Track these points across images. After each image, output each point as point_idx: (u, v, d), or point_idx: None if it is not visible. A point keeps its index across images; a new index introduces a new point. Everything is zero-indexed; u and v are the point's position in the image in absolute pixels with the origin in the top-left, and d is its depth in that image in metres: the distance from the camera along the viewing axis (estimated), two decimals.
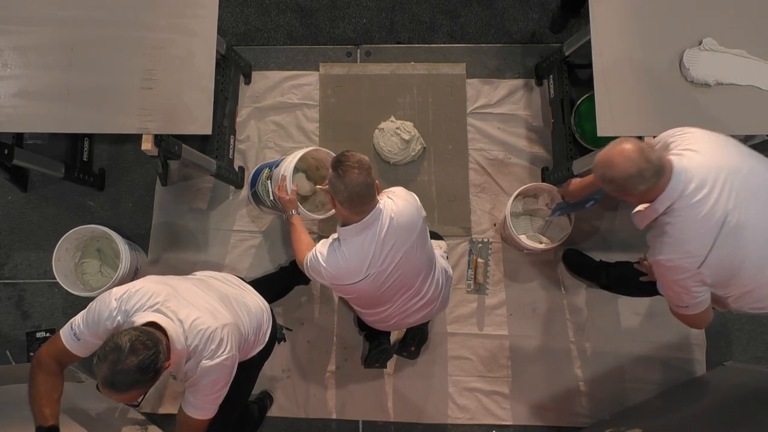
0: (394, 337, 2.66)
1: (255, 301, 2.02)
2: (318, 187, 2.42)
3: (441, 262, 2.24)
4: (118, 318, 1.62)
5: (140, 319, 1.58)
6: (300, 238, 2.15)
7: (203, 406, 1.71)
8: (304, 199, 2.50)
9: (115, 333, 1.47)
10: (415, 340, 2.54)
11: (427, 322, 2.54)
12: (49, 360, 1.66)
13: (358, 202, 1.82)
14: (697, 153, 1.63)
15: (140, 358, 1.42)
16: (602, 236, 2.79)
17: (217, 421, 1.78)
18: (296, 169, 2.34)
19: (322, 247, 1.94)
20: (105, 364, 1.42)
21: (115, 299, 1.63)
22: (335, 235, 1.94)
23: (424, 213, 2.00)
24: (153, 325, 1.57)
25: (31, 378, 1.65)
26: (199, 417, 1.71)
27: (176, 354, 1.59)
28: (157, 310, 1.61)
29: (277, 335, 2.15)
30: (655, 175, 1.57)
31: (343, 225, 1.89)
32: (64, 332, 1.66)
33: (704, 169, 1.60)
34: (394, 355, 2.63)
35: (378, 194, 1.88)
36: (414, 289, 2.07)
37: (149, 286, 1.67)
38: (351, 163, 1.78)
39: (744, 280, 1.69)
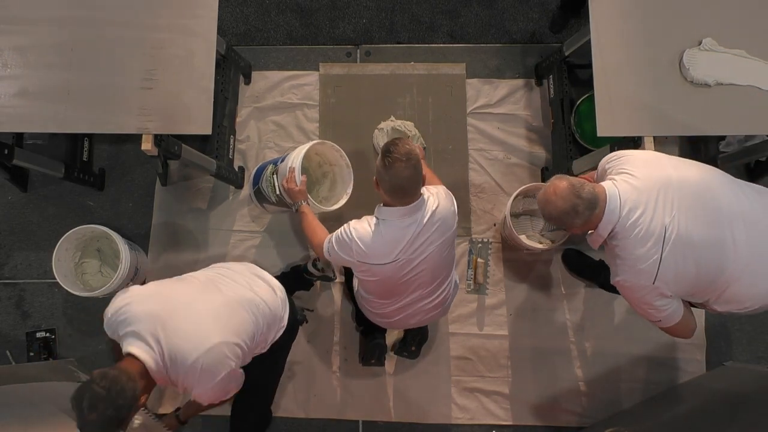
0: (394, 337, 2.66)
1: (267, 291, 1.99)
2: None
3: (454, 271, 2.27)
4: (117, 332, 1.67)
5: (126, 346, 1.61)
6: (313, 223, 2.19)
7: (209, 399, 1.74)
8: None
9: (81, 385, 1.48)
10: (416, 340, 2.55)
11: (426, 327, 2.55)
12: None
13: (401, 194, 1.86)
14: (630, 176, 1.73)
15: (100, 413, 1.43)
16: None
17: (245, 403, 1.88)
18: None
19: (356, 224, 1.97)
20: (74, 414, 1.45)
21: (111, 313, 1.69)
22: (370, 217, 1.97)
23: (457, 218, 2.05)
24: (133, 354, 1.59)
25: None
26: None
27: (160, 380, 1.63)
28: (142, 339, 1.61)
29: (297, 317, 2.16)
30: (588, 208, 1.68)
31: (385, 206, 1.93)
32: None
33: (635, 191, 1.69)
34: (395, 356, 2.64)
35: (423, 183, 1.93)
36: (429, 289, 2.10)
37: (144, 308, 1.67)
38: (398, 155, 1.81)
39: (708, 285, 1.73)
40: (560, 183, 1.71)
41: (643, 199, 1.68)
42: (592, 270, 2.69)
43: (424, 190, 1.98)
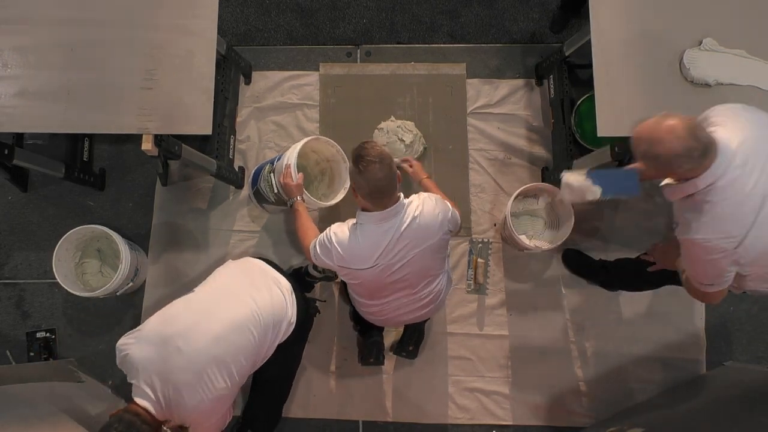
0: (393, 338, 2.66)
1: (277, 295, 2.03)
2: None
3: (447, 266, 2.27)
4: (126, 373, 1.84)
5: (132, 394, 1.78)
6: (305, 224, 2.19)
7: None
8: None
9: (102, 428, 1.64)
10: (413, 339, 2.55)
11: (424, 321, 2.55)
12: None
13: (379, 196, 1.86)
14: (742, 131, 1.57)
15: None
16: (602, 236, 2.79)
17: (259, 399, 2.05)
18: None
19: (337, 228, 1.97)
20: None
21: (119, 362, 1.86)
22: (353, 220, 1.97)
23: (447, 228, 2.02)
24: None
25: None
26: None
27: (163, 418, 1.77)
28: (143, 391, 1.75)
29: (309, 311, 2.19)
30: (702, 155, 1.51)
31: (364, 210, 1.93)
32: None
33: (748, 148, 1.54)
34: (395, 356, 2.63)
35: (399, 182, 1.91)
36: (416, 289, 2.09)
37: (142, 355, 1.78)
38: (371, 157, 1.80)
39: None
40: (674, 121, 1.51)
41: (752, 159, 1.54)
42: (592, 270, 2.69)
43: (413, 196, 1.98)
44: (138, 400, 1.75)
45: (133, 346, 1.81)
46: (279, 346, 2.02)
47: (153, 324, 1.86)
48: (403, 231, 1.90)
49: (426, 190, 2.29)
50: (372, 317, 2.28)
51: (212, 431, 1.90)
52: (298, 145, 2.33)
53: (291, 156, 2.30)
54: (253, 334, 1.89)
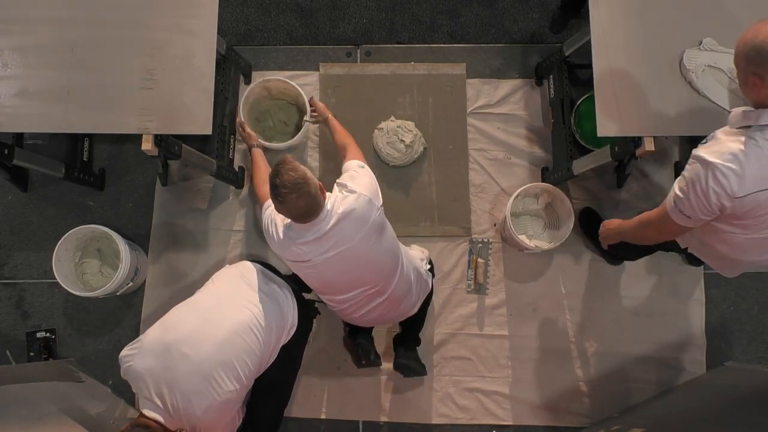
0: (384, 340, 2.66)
1: (277, 298, 2.04)
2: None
3: (415, 261, 2.25)
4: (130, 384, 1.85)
5: (140, 406, 1.79)
6: (260, 172, 2.37)
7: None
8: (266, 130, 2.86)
9: None
10: (399, 351, 2.50)
11: (415, 330, 2.52)
12: None
13: (304, 218, 1.82)
14: None
15: None
16: (622, 209, 2.80)
17: (262, 400, 2.05)
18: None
19: (276, 216, 1.94)
20: None
21: (123, 374, 1.85)
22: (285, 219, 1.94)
23: (378, 203, 1.94)
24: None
25: None
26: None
27: (175, 426, 1.77)
28: (150, 400, 1.76)
29: (309, 313, 2.20)
30: None
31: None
32: None
33: None
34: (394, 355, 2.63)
35: (323, 194, 1.83)
36: (377, 287, 2.06)
37: (144, 365, 1.78)
38: (287, 189, 1.71)
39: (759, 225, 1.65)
40: None
41: None
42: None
43: (334, 194, 1.91)
44: (147, 412, 1.74)
45: (136, 357, 1.80)
46: (280, 349, 2.02)
47: (154, 334, 1.85)
48: (325, 233, 1.85)
49: (332, 130, 2.41)
50: (343, 316, 2.28)
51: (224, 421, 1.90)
52: (244, 95, 2.65)
53: (239, 111, 2.61)
54: (257, 336, 1.89)
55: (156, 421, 1.72)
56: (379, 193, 1.98)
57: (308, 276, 2.05)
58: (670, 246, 2.15)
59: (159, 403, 1.74)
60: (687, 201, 1.65)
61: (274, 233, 1.96)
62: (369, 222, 1.90)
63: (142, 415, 1.75)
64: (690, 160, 1.65)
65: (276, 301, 2.02)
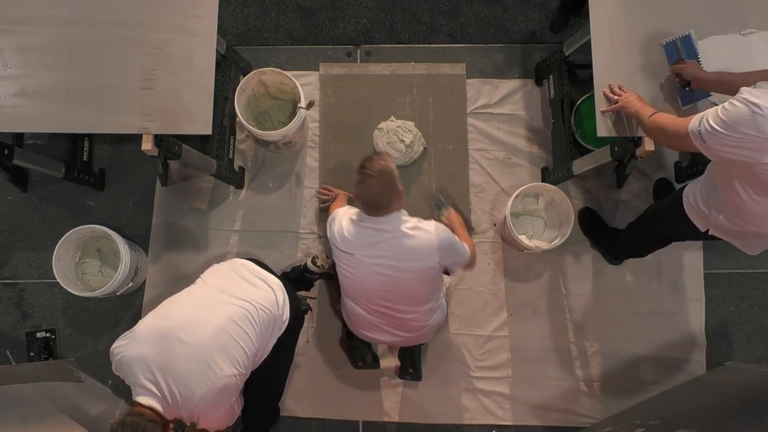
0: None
1: (264, 295, 2.02)
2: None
3: (441, 301, 2.30)
4: (123, 377, 1.78)
5: (134, 395, 1.71)
6: (339, 203, 2.46)
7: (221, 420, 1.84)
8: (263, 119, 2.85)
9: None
10: (406, 359, 2.52)
11: (417, 347, 2.54)
12: None
13: (371, 208, 1.93)
14: None
15: None
16: (622, 209, 2.82)
17: (255, 396, 2.03)
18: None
19: (349, 210, 2.11)
20: None
21: (114, 368, 1.80)
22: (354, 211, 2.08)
23: (437, 260, 2.00)
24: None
25: None
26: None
27: (171, 415, 1.73)
28: (145, 387, 1.70)
29: (301, 308, 2.20)
30: None
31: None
32: None
33: None
34: (394, 356, 2.63)
35: (399, 199, 1.94)
36: (398, 305, 2.12)
37: (140, 351, 1.73)
38: (371, 171, 1.86)
39: None
40: None
41: None
42: (602, 232, 2.72)
43: (424, 222, 2.00)
44: (141, 399, 1.69)
45: (128, 346, 1.76)
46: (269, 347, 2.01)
47: (147, 323, 1.82)
48: (380, 240, 1.95)
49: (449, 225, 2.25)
50: (351, 321, 2.33)
51: (221, 425, 1.87)
52: (241, 83, 2.53)
53: (238, 112, 2.49)
54: (252, 325, 1.88)
55: (152, 409, 1.66)
56: (457, 258, 2.07)
57: (345, 268, 2.12)
58: (684, 235, 2.15)
59: (155, 390, 1.69)
60: (714, 134, 1.59)
61: (339, 223, 2.07)
62: (417, 266, 1.99)
63: (136, 403, 1.69)
64: (735, 99, 1.56)
65: (267, 294, 2.02)
